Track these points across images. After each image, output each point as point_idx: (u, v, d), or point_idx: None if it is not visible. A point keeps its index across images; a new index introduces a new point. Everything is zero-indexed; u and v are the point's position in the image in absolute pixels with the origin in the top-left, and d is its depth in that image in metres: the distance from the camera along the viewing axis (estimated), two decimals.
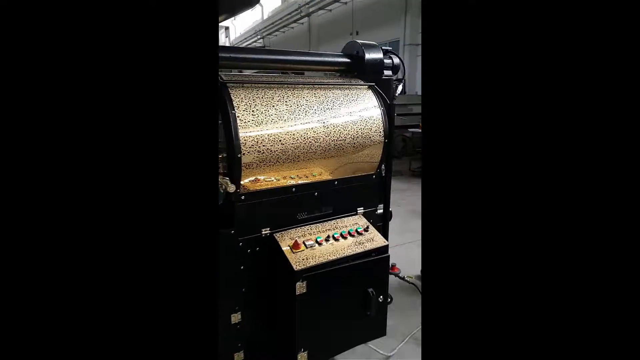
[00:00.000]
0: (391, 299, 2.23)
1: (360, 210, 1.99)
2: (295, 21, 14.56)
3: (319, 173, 1.82)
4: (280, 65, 1.87)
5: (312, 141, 1.67)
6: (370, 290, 1.72)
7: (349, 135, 1.78)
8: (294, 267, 1.54)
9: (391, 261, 2.77)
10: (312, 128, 1.67)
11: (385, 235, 2.11)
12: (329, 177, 1.83)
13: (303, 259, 1.59)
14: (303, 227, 1.79)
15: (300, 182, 1.74)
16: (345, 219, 1.92)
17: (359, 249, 1.71)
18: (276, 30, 16.35)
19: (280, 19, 15.07)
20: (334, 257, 1.63)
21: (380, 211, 2.11)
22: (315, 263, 1.58)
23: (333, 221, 1.88)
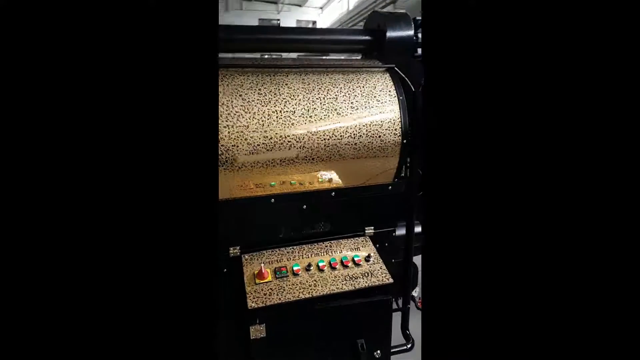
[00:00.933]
0: (413, 343, 1.73)
1: (370, 230, 1.54)
2: (380, 9, 13.92)
3: (328, 180, 1.43)
4: (272, 45, 1.52)
5: (293, 141, 1.29)
6: (360, 342, 1.28)
7: (347, 134, 1.35)
8: (249, 303, 1.19)
9: (420, 291, 2.25)
10: (292, 124, 1.29)
11: (406, 264, 1.62)
12: (325, 187, 1.43)
13: (265, 294, 1.23)
14: (283, 249, 1.42)
15: (282, 191, 1.38)
16: (345, 240, 1.49)
17: (348, 286, 1.28)
18: (361, 20, 15.90)
19: (365, 7, 14.56)
20: (307, 295, 1.24)
21: (401, 232, 1.62)
22: (279, 301, 1.21)
23: (327, 243, 1.47)
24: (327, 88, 1.36)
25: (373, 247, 1.47)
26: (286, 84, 1.33)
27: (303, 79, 1.36)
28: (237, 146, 1.24)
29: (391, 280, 1.31)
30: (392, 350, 1.76)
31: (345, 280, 1.30)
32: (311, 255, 1.40)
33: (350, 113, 1.36)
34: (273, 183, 1.37)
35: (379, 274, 1.33)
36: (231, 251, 1.38)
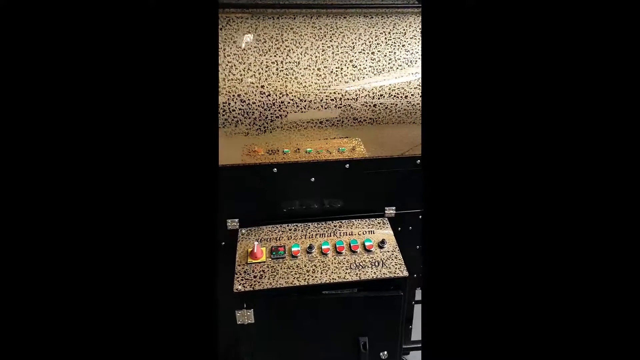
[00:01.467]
0: None
1: (390, 211, 1.30)
2: None
3: (351, 148, 1.21)
4: None
5: (296, 99, 1.07)
6: (362, 341, 1.09)
7: (365, 92, 1.09)
8: (235, 285, 1.05)
9: None
10: (295, 77, 1.06)
11: None
12: (338, 157, 1.21)
13: (256, 276, 1.08)
14: (285, 226, 1.25)
15: (286, 160, 1.19)
16: (358, 221, 1.28)
17: (352, 276, 1.08)
18: None
19: None
20: (302, 282, 1.06)
21: None
22: (269, 286, 1.05)
23: (337, 222, 1.27)
24: (342, 34, 1.10)
25: (391, 231, 1.24)
26: (292, 29, 1.09)
27: (313, 23, 1.11)
28: (229, 103, 1.05)
29: (405, 274, 1.08)
30: (412, 346, 1.57)
31: (350, 268, 1.10)
32: (315, 235, 1.21)
33: (370, 66, 1.10)
34: (287, 150, 1.18)
35: (392, 265, 1.11)
36: (229, 224, 1.24)
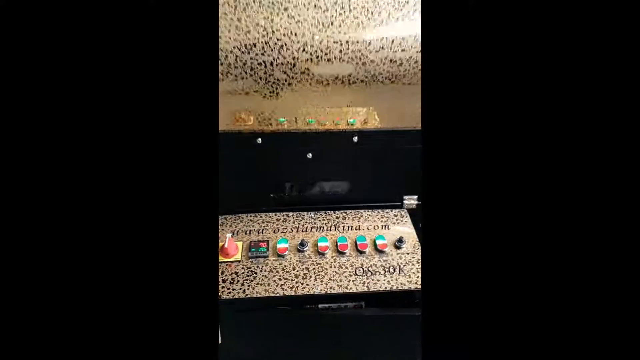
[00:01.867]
0: None
1: (411, 200, 1.00)
2: None
3: (363, 119, 0.93)
4: None
5: (287, 40, 0.78)
6: None
7: (380, 37, 0.80)
8: None
9: None
10: (285, 9, 0.77)
11: None
12: (344, 127, 0.92)
13: (226, 280, 0.79)
14: (271, 215, 0.97)
15: (276, 129, 0.90)
16: (369, 212, 0.99)
17: (357, 285, 0.79)
18: None
19: None
20: (288, 292, 0.77)
21: None
22: (243, 295, 0.77)
23: (340, 213, 0.98)
24: None
25: (412, 226, 0.94)
26: None
27: None
28: None
29: None
30: None
31: (356, 275, 0.81)
32: (311, 228, 0.92)
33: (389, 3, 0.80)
34: (282, 119, 0.91)
35: (412, 272, 0.81)
36: None
